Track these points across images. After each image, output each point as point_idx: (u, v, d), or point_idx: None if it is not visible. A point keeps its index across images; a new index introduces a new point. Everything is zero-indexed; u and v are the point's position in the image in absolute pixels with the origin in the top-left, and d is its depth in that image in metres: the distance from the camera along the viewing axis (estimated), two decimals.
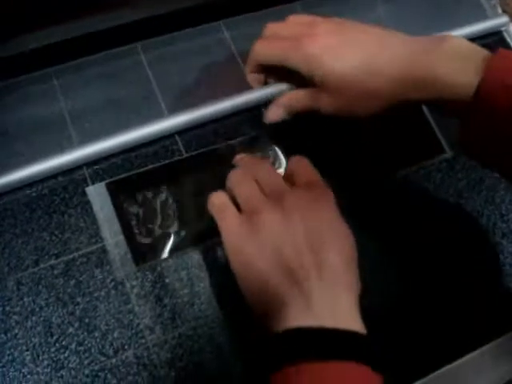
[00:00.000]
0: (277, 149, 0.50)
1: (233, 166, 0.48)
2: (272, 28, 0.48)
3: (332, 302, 0.38)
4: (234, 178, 0.44)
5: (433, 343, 0.47)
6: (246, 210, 0.41)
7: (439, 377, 0.44)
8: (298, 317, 0.37)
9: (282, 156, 0.50)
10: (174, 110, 0.51)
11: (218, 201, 0.43)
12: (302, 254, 0.38)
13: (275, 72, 0.50)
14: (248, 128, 0.51)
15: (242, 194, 0.42)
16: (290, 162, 0.46)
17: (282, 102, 0.49)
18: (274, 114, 0.50)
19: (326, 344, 0.35)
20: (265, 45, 0.48)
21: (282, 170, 0.50)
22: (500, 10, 0.64)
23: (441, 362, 0.45)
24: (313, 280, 0.38)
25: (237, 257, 0.40)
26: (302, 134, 0.51)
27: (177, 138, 0.50)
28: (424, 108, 0.55)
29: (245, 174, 0.44)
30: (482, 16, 0.63)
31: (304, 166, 0.45)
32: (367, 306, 0.46)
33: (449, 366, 0.45)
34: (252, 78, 0.51)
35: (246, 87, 0.52)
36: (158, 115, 0.50)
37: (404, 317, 0.47)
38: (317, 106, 0.47)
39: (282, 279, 0.38)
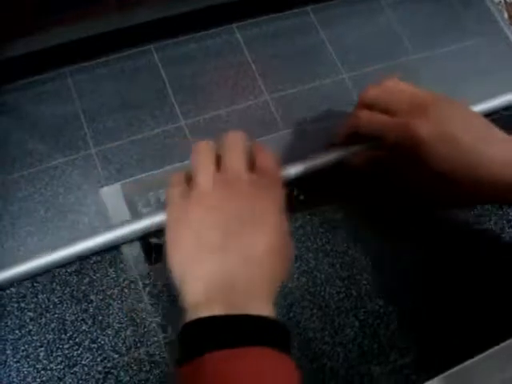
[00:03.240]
0: None
1: None
2: (372, 93, 0.47)
3: (240, 287, 0.37)
4: (199, 146, 0.43)
5: (443, 344, 0.47)
6: (193, 182, 0.41)
7: (448, 377, 0.45)
8: (206, 297, 0.37)
9: None
10: (187, 109, 0.51)
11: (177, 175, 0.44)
12: (227, 240, 0.38)
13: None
14: None
15: (195, 165, 0.42)
16: (252, 146, 0.45)
17: (373, 154, 0.48)
18: (356, 162, 0.49)
19: (227, 331, 0.35)
20: (368, 116, 0.46)
21: None
22: (506, 15, 0.65)
23: (451, 363, 0.45)
24: (230, 260, 0.38)
25: (170, 227, 0.41)
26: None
27: None
28: None
29: (208, 147, 0.43)
30: (490, 21, 0.63)
31: (263, 153, 0.44)
32: (378, 309, 0.47)
33: (458, 367, 0.45)
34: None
35: (258, 90, 0.53)
36: (171, 116, 0.51)
37: (414, 318, 0.48)
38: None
39: (197, 259, 0.38)
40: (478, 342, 0.46)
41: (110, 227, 0.46)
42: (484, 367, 0.44)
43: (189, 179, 0.42)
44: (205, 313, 0.36)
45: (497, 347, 0.45)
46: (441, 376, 0.44)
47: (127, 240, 0.46)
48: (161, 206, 0.48)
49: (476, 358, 0.44)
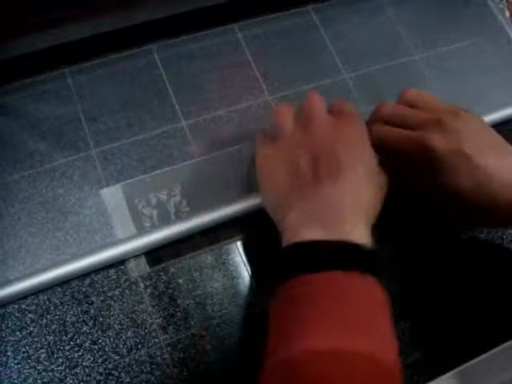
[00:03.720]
0: None
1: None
2: (391, 109, 0.47)
3: (339, 213, 0.40)
4: (276, 110, 0.47)
5: (446, 344, 0.47)
6: (276, 138, 0.45)
7: (450, 378, 0.45)
8: (303, 224, 0.40)
9: None
10: (187, 109, 0.51)
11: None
12: (318, 171, 0.41)
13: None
14: None
15: (275, 124, 0.46)
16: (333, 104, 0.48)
17: None
18: None
19: (326, 255, 0.37)
20: (382, 129, 0.46)
21: None
22: (508, 13, 0.65)
23: (453, 364, 0.45)
24: (323, 189, 0.40)
25: (259, 172, 0.45)
26: None
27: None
28: None
29: (285, 108, 0.47)
30: (491, 19, 0.63)
31: (343, 103, 0.47)
32: None
33: (460, 368, 0.45)
34: None
35: (259, 90, 0.53)
36: (172, 117, 0.51)
37: (417, 319, 0.48)
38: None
39: (290, 180, 0.42)
40: (480, 343, 0.46)
41: (114, 242, 0.46)
42: (485, 368, 0.44)
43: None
44: (302, 237, 0.39)
45: (498, 348, 0.45)
46: (443, 377, 0.44)
47: (133, 255, 0.46)
48: (162, 205, 0.48)
49: (477, 359, 0.44)
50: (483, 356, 0.45)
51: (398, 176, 0.45)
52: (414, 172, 0.45)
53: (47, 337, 0.43)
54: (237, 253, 0.47)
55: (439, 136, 0.42)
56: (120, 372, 0.43)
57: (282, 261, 0.39)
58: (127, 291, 0.45)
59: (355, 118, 0.45)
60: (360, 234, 0.39)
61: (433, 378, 0.45)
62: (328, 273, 0.36)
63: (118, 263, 0.46)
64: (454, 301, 0.49)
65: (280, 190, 0.42)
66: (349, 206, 0.40)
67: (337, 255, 0.37)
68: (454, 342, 0.47)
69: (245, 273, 0.47)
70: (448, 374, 0.44)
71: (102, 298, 0.45)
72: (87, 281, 0.45)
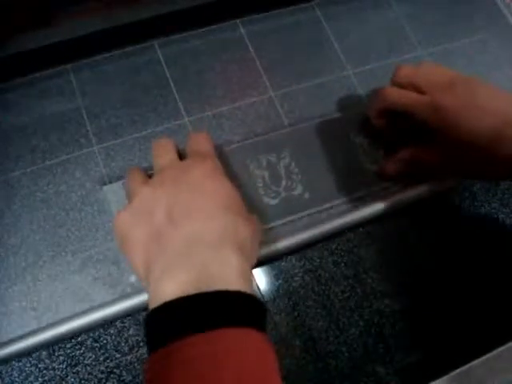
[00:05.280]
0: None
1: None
2: (405, 72, 0.48)
3: (203, 250, 0.36)
4: (128, 172, 0.45)
5: (448, 344, 0.47)
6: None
7: (454, 377, 0.44)
8: (167, 276, 0.35)
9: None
10: (190, 106, 0.51)
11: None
12: (173, 216, 0.38)
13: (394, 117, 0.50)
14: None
15: (127, 186, 0.44)
16: (190, 138, 0.46)
17: (402, 156, 0.50)
18: (391, 169, 0.51)
19: (196, 314, 0.33)
20: (396, 92, 0.48)
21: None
22: None
23: (456, 363, 0.44)
24: (181, 235, 0.37)
25: (119, 232, 0.40)
26: None
27: None
28: None
29: (135, 169, 0.45)
30: (497, 15, 0.62)
31: (196, 139, 0.46)
32: (383, 308, 0.46)
33: (462, 368, 0.45)
34: (377, 122, 0.51)
35: (263, 86, 0.52)
36: (175, 113, 0.51)
37: (419, 318, 0.47)
38: (437, 161, 0.48)
39: (152, 241, 0.38)
40: (483, 343, 0.46)
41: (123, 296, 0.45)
42: (489, 367, 0.44)
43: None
44: (166, 293, 0.34)
45: (501, 348, 0.45)
46: (445, 377, 0.43)
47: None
48: None
49: (480, 359, 0.44)
50: (486, 356, 0.45)
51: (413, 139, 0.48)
52: (428, 133, 0.46)
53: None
54: None
55: (448, 95, 0.44)
56: (122, 370, 0.43)
57: (150, 326, 0.35)
58: (128, 289, 0.45)
59: (209, 153, 0.44)
60: (230, 268, 0.36)
61: (435, 377, 0.45)
62: (195, 336, 0.32)
63: (122, 262, 0.46)
64: (457, 300, 0.48)
65: (141, 250, 0.38)
66: (209, 235, 0.37)
67: (207, 311, 0.33)
68: (456, 341, 0.47)
69: None
70: (450, 375, 0.44)
71: (103, 296, 0.45)
72: (89, 278, 0.45)
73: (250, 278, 0.37)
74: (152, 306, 0.35)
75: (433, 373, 0.45)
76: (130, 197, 0.42)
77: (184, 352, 0.32)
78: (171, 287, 0.34)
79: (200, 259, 0.36)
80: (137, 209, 0.40)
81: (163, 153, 0.44)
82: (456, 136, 0.44)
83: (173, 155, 0.44)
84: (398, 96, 0.47)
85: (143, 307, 0.44)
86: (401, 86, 0.48)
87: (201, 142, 0.45)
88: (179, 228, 0.37)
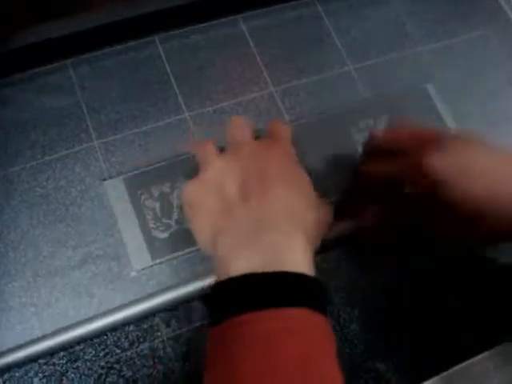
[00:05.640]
0: None
1: None
2: (380, 140, 0.45)
3: (273, 225, 0.37)
4: (199, 144, 0.45)
5: (450, 341, 0.47)
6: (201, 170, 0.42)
7: (450, 376, 0.44)
8: (236, 253, 0.36)
9: None
10: (191, 101, 0.51)
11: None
12: (247, 191, 0.38)
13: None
14: None
15: (200, 158, 0.43)
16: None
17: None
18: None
19: (260, 290, 0.34)
20: (376, 166, 0.44)
21: None
22: None
23: (457, 360, 0.44)
24: (252, 205, 0.38)
25: (188, 200, 0.42)
26: None
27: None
28: None
29: (209, 142, 0.44)
30: (498, 11, 0.62)
31: (276, 124, 0.46)
32: (384, 305, 0.46)
33: (460, 366, 0.45)
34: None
35: (263, 82, 0.52)
36: (175, 108, 0.50)
37: (420, 315, 0.47)
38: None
39: (222, 214, 0.39)
40: (482, 341, 0.46)
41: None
42: (485, 366, 0.44)
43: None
44: (234, 269, 0.35)
45: (497, 347, 0.44)
46: (442, 375, 0.43)
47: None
48: (166, 197, 0.47)
49: (477, 357, 0.44)
50: (484, 354, 0.44)
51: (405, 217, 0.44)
52: (417, 199, 0.43)
53: (49, 330, 0.43)
54: None
55: (436, 155, 0.40)
56: (122, 366, 0.43)
57: (214, 299, 0.36)
58: (129, 284, 0.45)
59: (285, 141, 0.44)
60: (297, 253, 0.36)
61: (436, 373, 0.45)
62: (260, 312, 0.33)
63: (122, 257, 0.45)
64: (458, 297, 0.48)
65: (209, 220, 0.39)
66: (281, 215, 0.38)
67: (273, 289, 0.34)
68: (458, 338, 0.47)
69: None
70: (448, 372, 0.44)
71: (103, 292, 0.45)
72: (89, 273, 0.45)
73: (312, 264, 0.37)
74: (218, 278, 0.36)
75: (433, 369, 0.44)
76: (201, 167, 0.42)
77: (248, 327, 0.32)
78: (239, 265, 0.35)
79: (270, 241, 0.36)
80: (209, 179, 0.41)
81: (239, 131, 0.44)
82: (445, 196, 0.40)
83: (248, 133, 0.44)
84: (379, 169, 0.44)
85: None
86: (375, 155, 0.45)
87: (281, 128, 0.45)
88: (252, 206, 0.38)
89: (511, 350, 0.45)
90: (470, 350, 0.45)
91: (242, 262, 0.35)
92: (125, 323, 0.43)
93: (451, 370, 0.43)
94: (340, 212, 0.46)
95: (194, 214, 0.41)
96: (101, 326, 0.43)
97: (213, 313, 0.35)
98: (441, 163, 0.40)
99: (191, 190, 0.41)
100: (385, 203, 0.45)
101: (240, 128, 0.44)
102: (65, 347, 0.42)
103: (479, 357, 0.44)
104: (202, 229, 0.40)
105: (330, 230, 0.43)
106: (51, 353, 0.42)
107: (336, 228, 0.44)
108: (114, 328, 0.43)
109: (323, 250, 0.42)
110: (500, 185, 0.40)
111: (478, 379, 0.44)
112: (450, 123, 0.54)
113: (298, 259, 0.36)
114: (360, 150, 0.49)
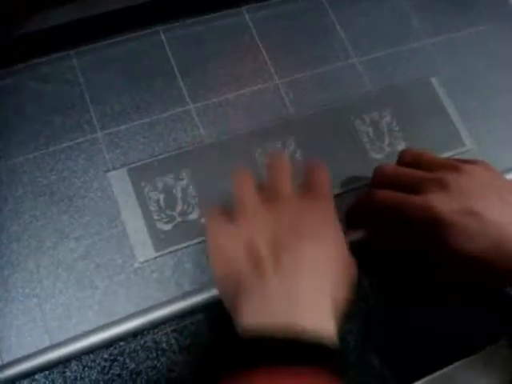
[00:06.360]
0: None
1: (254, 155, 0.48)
2: (390, 171, 0.44)
3: (296, 299, 0.35)
4: (237, 180, 0.42)
5: (451, 336, 0.47)
6: (236, 213, 0.40)
7: (436, 379, 0.44)
8: (255, 310, 0.35)
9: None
10: (195, 93, 0.51)
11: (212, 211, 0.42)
12: (275, 246, 0.37)
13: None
14: None
15: (237, 198, 0.41)
16: (306, 167, 0.43)
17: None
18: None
19: (277, 350, 0.33)
20: (383, 194, 0.42)
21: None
22: None
23: (458, 356, 0.44)
24: (277, 273, 0.36)
25: (212, 247, 0.40)
26: None
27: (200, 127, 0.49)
28: None
29: (247, 178, 0.42)
30: (502, 5, 0.62)
31: (317, 173, 0.42)
32: (386, 298, 0.46)
33: (446, 369, 0.44)
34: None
35: (268, 74, 0.52)
36: (179, 100, 0.50)
37: (422, 309, 0.47)
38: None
39: (247, 268, 0.36)
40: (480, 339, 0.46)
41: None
42: (472, 369, 0.43)
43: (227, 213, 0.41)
44: (257, 332, 0.34)
45: (485, 349, 0.44)
46: (428, 377, 0.43)
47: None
48: (169, 189, 0.47)
49: (463, 360, 0.43)
50: (471, 357, 0.44)
51: (401, 244, 0.43)
52: (419, 239, 0.41)
53: (51, 322, 0.43)
54: None
55: (444, 197, 0.39)
56: (125, 358, 0.43)
57: (240, 350, 0.34)
58: (132, 276, 0.45)
59: (328, 195, 0.41)
60: (327, 325, 0.34)
61: (438, 368, 0.45)
62: (265, 369, 0.32)
63: (126, 249, 0.45)
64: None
65: (234, 270, 0.37)
66: (309, 282, 0.36)
67: (291, 354, 0.32)
68: (458, 334, 0.46)
69: None
70: (434, 375, 0.43)
71: (107, 283, 0.44)
72: (92, 265, 0.45)
73: (336, 331, 0.35)
74: (236, 326, 0.35)
75: (435, 364, 0.44)
76: (235, 208, 0.40)
77: (261, 380, 0.32)
78: (263, 325, 0.34)
79: (298, 314, 0.34)
80: (241, 229, 0.38)
81: (281, 178, 0.41)
82: (451, 242, 0.39)
83: (289, 183, 0.41)
84: (384, 198, 0.42)
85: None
86: (383, 186, 0.43)
87: (324, 179, 0.41)
88: (283, 276, 0.36)
89: (498, 354, 0.44)
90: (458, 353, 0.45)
91: (267, 325, 0.34)
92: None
93: (437, 373, 0.43)
94: (352, 221, 0.46)
95: (218, 258, 0.39)
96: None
97: (238, 360, 0.34)
98: (445, 207, 0.38)
99: (220, 231, 0.39)
100: (393, 231, 0.43)
101: (282, 175, 0.41)
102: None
103: (465, 360, 0.44)
104: (223, 274, 0.38)
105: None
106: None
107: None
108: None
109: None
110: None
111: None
112: (454, 116, 0.54)
113: (323, 334, 0.34)
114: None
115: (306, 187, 0.41)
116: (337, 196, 0.49)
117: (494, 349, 0.44)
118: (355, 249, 0.41)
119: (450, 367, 0.43)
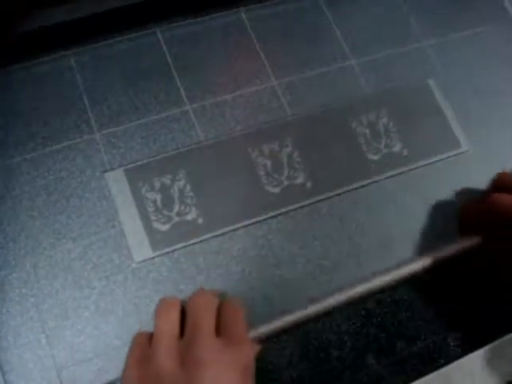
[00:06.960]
0: None
1: (250, 154, 0.49)
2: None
3: None
4: (159, 305, 0.40)
5: (451, 334, 0.47)
6: (151, 346, 0.39)
7: (432, 380, 0.44)
8: None
9: None
10: (192, 93, 0.51)
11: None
12: None
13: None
14: None
15: (156, 329, 0.39)
16: (225, 308, 0.41)
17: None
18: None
19: None
20: (509, 200, 0.43)
21: None
22: None
23: (459, 354, 0.44)
24: None
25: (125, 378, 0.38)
26: None
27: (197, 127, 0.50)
28: None
29: (172, 305, 0.40)
30: (502, 7, 0.62)
31: (235, 316, 0.40)
32: (385, 298, 0.46)
33: (442, 370, 0.44)
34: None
35: (265, 75, 0.52)
36: (177, 100, 0.50)
37: (422, 308, 0.47)
38: None
39: None
40: (484, 333, 0.46)
41: None
42: (467, 369, 0.43)
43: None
44: None
45: (481, 349, 0.44)
46: (424, 378, 0.43)
47: None
48: (167, 189, 0.47)
49: (459, 361, 0.44)
50: (466, 357, 0.44)
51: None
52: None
53: (48, 322, 0.43)
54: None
55: None
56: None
57: None
58: (130, 276, 0.45)
59: (244, 349, 0.39)
60: None
61: (437, 367, 0.45)
62: None
63: (123, 249, 0.45)
64: (459, 291, 0.48)
65: None
66: None
67: None
68: (459, 331, 0.47)
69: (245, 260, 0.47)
70: (430, 376, 0.44)
71: (104, 283, 0.44)
72: (89, 265, 0.45)
73: None
74: None
75: (435, 363, 0.45)
76: (152, 343, 0.39)
77: None
78: None
79: None
80: (150, 372, 0.37)
81: (204, 317, 0.39)
82: None
83: (212, 324, 0.39)
84: (505, 202, 0.42)
85: None
86: (504, 190, 0.44)
87: (238, 321, 0.40)
88: None
89: (494, 353, 0.45)
90: (475, 341, 0.45)
91: None
92: None
93: (432, 374, 0.43)
94: (467, 226, 0.46)
95: None
96: None
97: None
98: None
99: (134, 368, 0.38)
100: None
101: (203, 315, 0.39)
102: None
103: (461, 360, 0.44)
104: None
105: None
106: None
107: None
108: None
109: None
110: None
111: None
112: (451, 118, 0.54)
113: None
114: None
115: (222, 330, 0.39)
116: (333, 197, 0.49)
117: (493, 349, 0.44)
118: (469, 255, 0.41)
119: (448, 367, 0.44)
